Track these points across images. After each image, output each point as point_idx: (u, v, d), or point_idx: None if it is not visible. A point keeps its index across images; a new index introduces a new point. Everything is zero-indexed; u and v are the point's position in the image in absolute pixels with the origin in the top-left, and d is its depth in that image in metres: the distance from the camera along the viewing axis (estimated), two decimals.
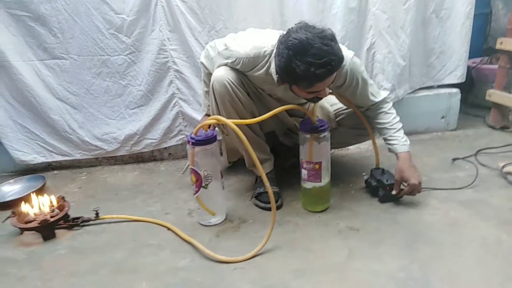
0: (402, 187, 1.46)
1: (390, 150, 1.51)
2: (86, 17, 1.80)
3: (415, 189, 1.42)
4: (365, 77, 1.44)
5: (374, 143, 1.61)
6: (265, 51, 1.35)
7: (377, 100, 1.50)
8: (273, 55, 1.31)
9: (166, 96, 1.96)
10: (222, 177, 1.43)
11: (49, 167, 2.05)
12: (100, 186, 1.85)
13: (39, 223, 1.36)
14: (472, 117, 2.37)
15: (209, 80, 1.55)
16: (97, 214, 1.48)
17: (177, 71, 1.92)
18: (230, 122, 1.26)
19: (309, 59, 1.16)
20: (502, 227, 1.30)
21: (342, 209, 1.48)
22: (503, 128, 2.16)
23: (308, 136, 1.38)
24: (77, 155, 2.01)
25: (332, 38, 1.21)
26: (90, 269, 1.24)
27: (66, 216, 1.46)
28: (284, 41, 1.22)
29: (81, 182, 1.90)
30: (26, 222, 1.39)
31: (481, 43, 2.63)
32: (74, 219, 1.47)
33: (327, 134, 1.40)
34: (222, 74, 1.41)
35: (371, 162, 1.67)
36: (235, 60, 1.40)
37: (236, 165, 1.93)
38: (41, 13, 1.77)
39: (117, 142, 1.99)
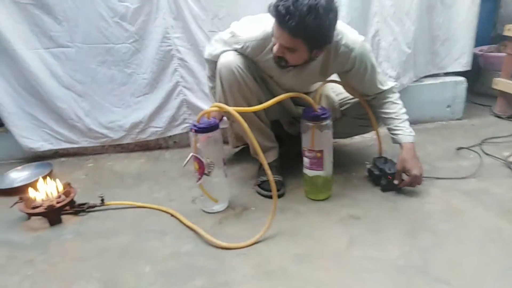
0: (404, 177, 1.46)
1: (394, 141, 1.51)
2: (90, 5, 1.81)
3: (415, 181, 1.43)
4: (374, 64, 1.44)
5: (377, 132, 1.61)
6: (272, 32, 1.32)
7: (384, 88, 1.49)
8: None
9: (170, 85, 1.97)
10: (224, 164, 1.45)
11: (56, 154, 2.08)
12: (106, 173, 1.88)
13: (45, 209, 1.40)
14: (479, 106, 2.34)
15: (215, 75, 1.55)
16: (102, 200, 1.50)
17: (181, 59, 1.93)
18: (232, 110, 1.26)
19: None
20: (504, 216, 1.30)
21: (344, 198, 1.49)
22: (510, 118, 2.14)
23: (311, 124, 1.39)
24: (84, 143, 2.03)
25: (319, 10, 1.15)
26: (95, 253, 1.26)
27: (72, 202, 1.49)
28: None
29: (87, 169, 1.93)
30: (33, 208, 1.42)
31: (489, 30, 2.59)
32: (80, 205, 1.50)
33: (329, 122, 1.40)
34: (230, 60, 1.40)
35: (374, 151, 1.67)
36: (244, 45, 1.39)
37: (240, 153, 1.94)
38: (45, 2, 1.78)
39: (123, 130, 2.01)
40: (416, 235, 1.24)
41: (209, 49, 1.56)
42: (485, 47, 2.44)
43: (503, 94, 2.15)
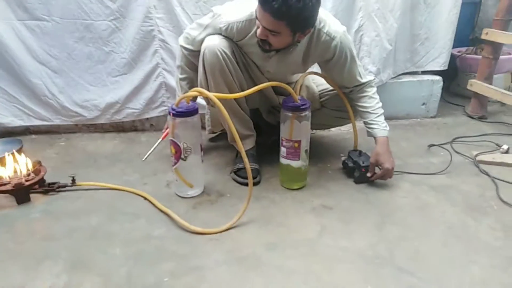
0: (376, 170, 1.50)
1: (369, 134, 1.54)
2: None
3: (387, 174, 1.47)
4: (354, 55, 1.46)
5: (354, 126, 1.63)
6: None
7: (363, 81, 1.51)
8: None
9: (150, 66, 1.93)
10: (201, 150, 1.44)
11: (27, 131, 2.02)
12: (78, 153, 1.83)
13: (13, 186, 1.35)
14: (453, 106, 2.41)
15: (188, 66, 1.56)
16: (73, 180, 1.47)
17: (162, 40, 1.89)
18: (212, 95, 1.25)
19: None
20: (469, 212, 1.36)
21: (318, 188, 1.51)
22: (481, 118, 2.22)
23: (290, 114, 1.39)
24: (56, 121, 1.97)
25: None
26: (64, 233, 1.24)
27: (42, 180, 1.45)
28: None
29: (59, 148, 1.88)
30: (0, 185, 1.38)
31: (468, 33, 2.66)
32: (50, 184, 1.46)
33: (308, 113, 1.41)
34: (215, 43, 1.38)
35: (350, 144, 1.70)
36: (228, 26, 1.38)
37: (217, 139, 1.94)
38: None
39: (98, 110, 1.96)
40: (385, 227, 1.27)
41: (188, 36, 1.51)
42: (463, 49, 2.50)
43: (477, 95, 2.22)
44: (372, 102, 1.53)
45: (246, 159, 1.26)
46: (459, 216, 1.34)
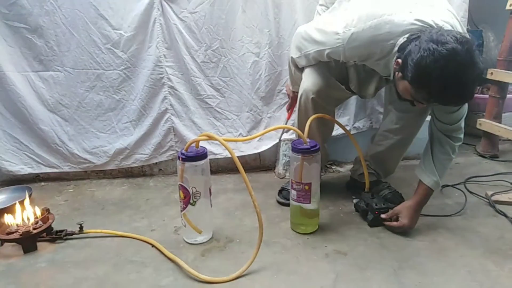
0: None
1: (418, 172, 1.47)
2: (83, 31, 1.82)
3: (401, 229, 1.41)
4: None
5: (364, 167, 1.61)
6: (391, 43, 1.19)
7: (458, 134, 1.45)
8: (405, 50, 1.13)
9: (159, 112, 1.95)
10: (210, 194, 1.42)
11: (36, 178, 2.02)
12: (87, 199, 1.82)
13: (20, 235, 1.33)
14: (463, 145, 2.37)
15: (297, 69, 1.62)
16: (81, 227, 1.45)
17: (171, 87, 1.93)
18: (221, 139, 1.27)
19: (450, 81, 1.05)
20: (489, 256, 1.30)
21: (330, 232, 1.46)
22: (493, 157, 2.18)
23: (299, 156, 1.39)
24: (66, 168, 1.98)
25: (478, 76, 1.09)
26: (70, 284, 1.20)
27: (50, 228, 1.43)
28: (438, 40, 1.05)
29: (68, 195, 1.87)
30: (8, 233, 1.36)
31: None
32: (57, 232, 1.44)
33: (318, 155, 1.41)
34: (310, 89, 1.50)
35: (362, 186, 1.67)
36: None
37: (226, 183, 1.92)
38: (39, 26, 1.79)
39: (107, 156, 1.97)
40: (402, 273, 1.22)
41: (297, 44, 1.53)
42: None
43: (487, 134, 2.20)
44: (445, 155, 1.44)
45: (255, 202, 1.24)
46: (479, 260, 1.28)
